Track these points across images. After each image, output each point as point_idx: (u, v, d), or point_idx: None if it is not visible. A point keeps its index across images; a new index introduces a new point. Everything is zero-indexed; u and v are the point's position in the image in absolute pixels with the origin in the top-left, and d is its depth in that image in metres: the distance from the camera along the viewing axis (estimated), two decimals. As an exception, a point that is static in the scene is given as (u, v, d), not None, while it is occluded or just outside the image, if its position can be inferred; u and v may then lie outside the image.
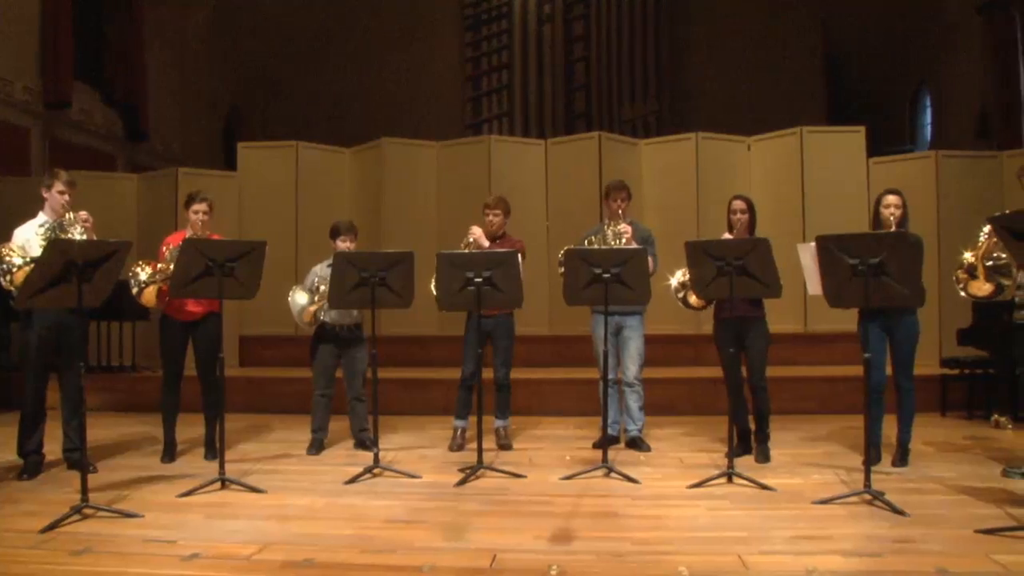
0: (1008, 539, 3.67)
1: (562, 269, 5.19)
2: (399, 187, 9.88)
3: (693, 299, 5.45)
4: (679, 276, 5.50)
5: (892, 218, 5.25)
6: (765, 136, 9.83)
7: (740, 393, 5.64)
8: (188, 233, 5.61)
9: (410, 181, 9.95)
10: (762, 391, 5.58)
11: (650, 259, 5.55)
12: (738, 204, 5.67)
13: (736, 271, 4.66)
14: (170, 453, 5.72)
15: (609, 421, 5.68)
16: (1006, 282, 4.65)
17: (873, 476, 4.46)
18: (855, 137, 9.48)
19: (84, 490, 4.27)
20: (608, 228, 5.88)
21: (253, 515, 4.29)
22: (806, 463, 5.45)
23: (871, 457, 4.61)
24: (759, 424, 5.64)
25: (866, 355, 4.91)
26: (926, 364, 7.60)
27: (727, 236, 5.63)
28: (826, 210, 8.97)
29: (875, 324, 5.16)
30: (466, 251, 5.72)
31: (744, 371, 5.63)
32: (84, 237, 5.01)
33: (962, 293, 4.82)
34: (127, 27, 13.38)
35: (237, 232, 9.08)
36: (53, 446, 5.39)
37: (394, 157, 9.95)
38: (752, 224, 5.69)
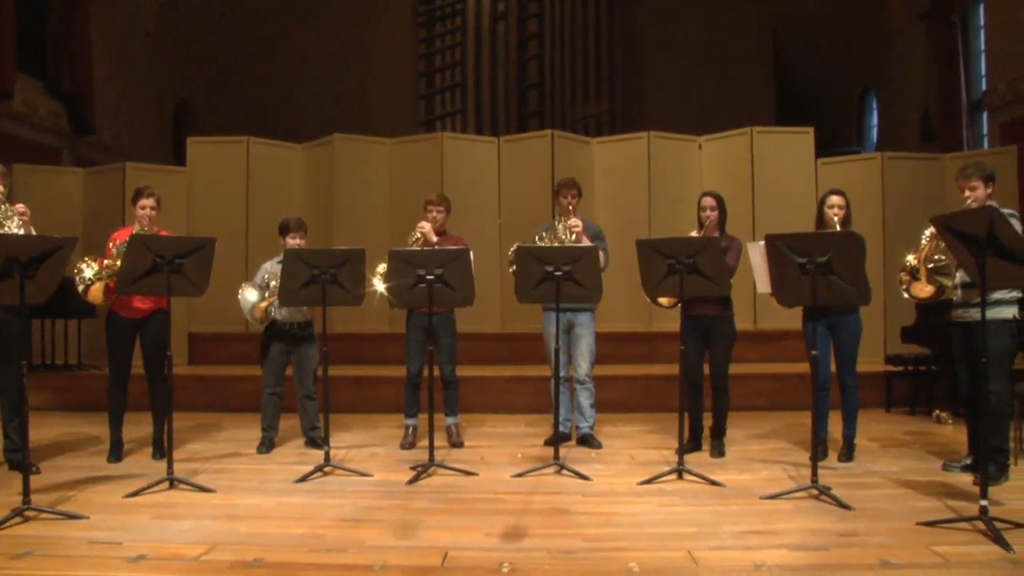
0: (948, 531, 3.76)
1: (513, 267, 5.22)
2: (351, 184, 9.79)
3: (663, 299, 5.46)
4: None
5: (836, 218, 5.34)
6: (716, 136, 9.94)
7: (697, 390, 5.71)
8: (135, 229, 5.48)
9: (362, 178, 9.86)
10: (723, 391, 5.67)
11: (601, 254, 5.59)
12: (707, 201, 5.71)
13: (687, 269, 4.71)
14: (116, 453, 5.59)
15: (560, 418, 5.67)
16: (947, 283, 4.77)
17: (820, 471, 4.53)
18: (804, 138, 9.65)
19: (26, 492, 4.16)
20: (559, 224, 5.90)
21: (202, 515, 4.22)
22: (755, 459, 5.53)
23: (818, 453, 4.68)
24: (716, 421, 5.72)
25: (813, 352, 5.02)
26: (871, 361, 7.80)
27: (694, 234, 5.65)
28: (775, 209, 9.12)
29: (819, 323, 5.25)
30: (415, 248, 5.70)
31: (706, 368, 5.71)
32: (21, 231, 4.86)
33: (905, 295, 4.94)
34: (72, 17, 13.07)
35: (186, 228, 8.94)
36: (-6, 446, 5.26)
37: (346, 154, 9.86)
38: (722, 220, 5.75)
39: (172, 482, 4.76)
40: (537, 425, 6.89)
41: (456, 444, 6.09)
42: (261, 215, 9.41)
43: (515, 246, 5.28)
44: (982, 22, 12.70)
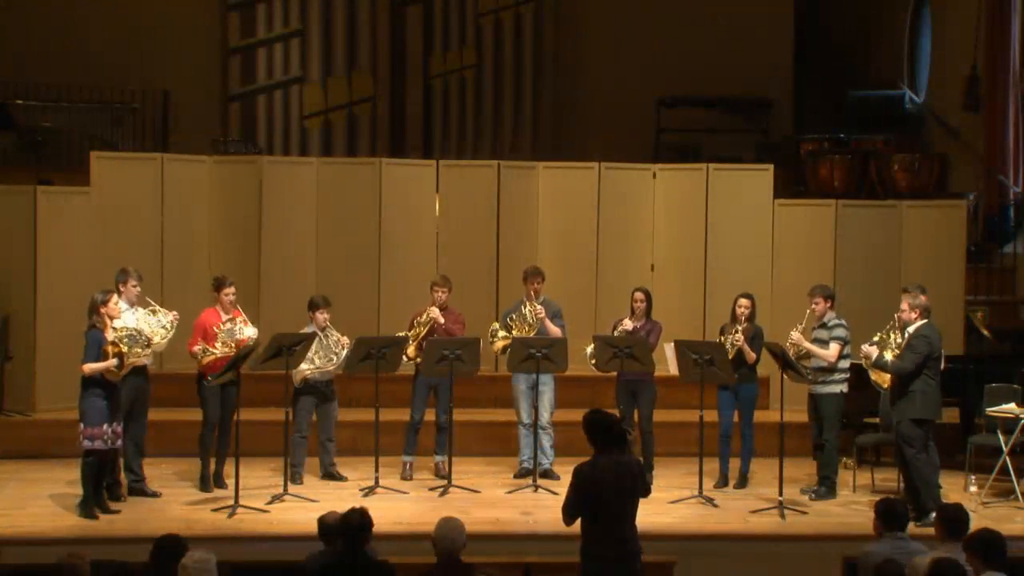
0: (766, 515, 14.54)
1: (507, 351, 15.76)
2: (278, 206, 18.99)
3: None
4: (591, 349, 15.73)
5: (743, 316, 15.74)
6: (670, 167, 19.98)
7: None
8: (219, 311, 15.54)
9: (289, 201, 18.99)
10: (649, 435, 16.04)
11: (559, 329, 16.00)
12: (639, 295, 16.00)
13: (625, 356, 15.15)
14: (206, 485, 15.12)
15: (525, 457, 16.01)
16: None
17: (715, 492, 15.40)
18: (762, 175, 19.43)
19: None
20: (526, 308, 15.96)
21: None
22: (672, 485, 15.81)
23: (718, 481, 15.69)
24: (645, 460, 15.50)
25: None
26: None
27: (627, 320, 16.03)
28: (729, 245, 18.99)
29: (725, 391, 15.75)
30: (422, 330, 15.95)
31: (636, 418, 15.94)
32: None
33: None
34: None
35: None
36: None
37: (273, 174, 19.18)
38: (648, 309, 16.14)
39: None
40: (496, 465, 16.85)
41: (443, 476, 15.96)
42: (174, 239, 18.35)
43: (513, 338, 15.68)
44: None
